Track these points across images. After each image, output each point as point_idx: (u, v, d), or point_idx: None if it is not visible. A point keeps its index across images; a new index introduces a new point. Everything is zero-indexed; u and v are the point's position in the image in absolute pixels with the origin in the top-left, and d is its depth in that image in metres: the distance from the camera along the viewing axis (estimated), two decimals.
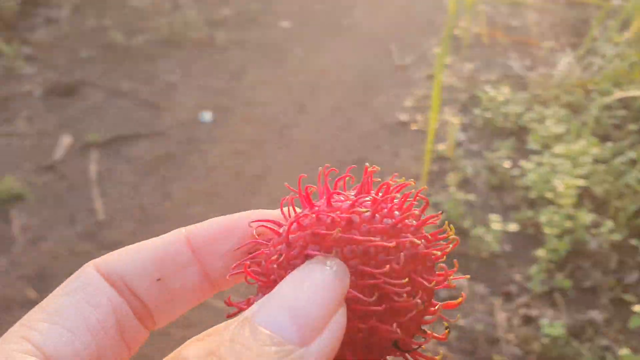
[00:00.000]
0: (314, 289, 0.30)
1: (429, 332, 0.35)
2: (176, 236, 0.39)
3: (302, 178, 0.38)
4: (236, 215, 0.40)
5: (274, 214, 0.40)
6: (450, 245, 0.35)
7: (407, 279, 0.32)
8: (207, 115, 3.68)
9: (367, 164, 0.38)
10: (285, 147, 3.47)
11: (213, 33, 4.63)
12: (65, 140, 3.31)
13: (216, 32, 4.66)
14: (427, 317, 0.35)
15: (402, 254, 0.32)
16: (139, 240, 0.39)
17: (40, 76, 4.03)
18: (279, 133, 3.60)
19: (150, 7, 5.00)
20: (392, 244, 0.32)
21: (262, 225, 0.39)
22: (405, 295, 0.32)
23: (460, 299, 0.35)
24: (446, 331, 0.36)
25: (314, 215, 0.35)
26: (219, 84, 4.04)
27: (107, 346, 0.34)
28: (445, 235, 0.36)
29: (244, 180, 3.18)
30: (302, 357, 0.28)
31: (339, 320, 0.30)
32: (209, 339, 0.30)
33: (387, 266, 0.32)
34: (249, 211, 0.40)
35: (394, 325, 0.32)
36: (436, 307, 0.35)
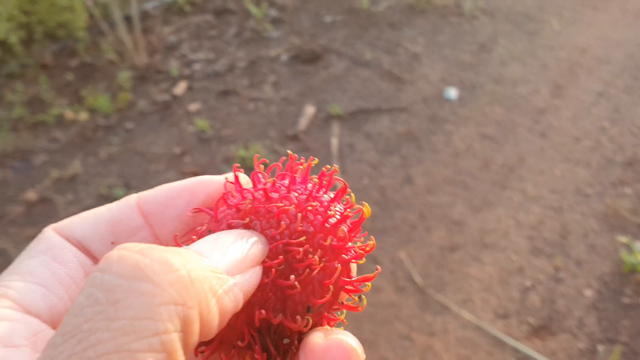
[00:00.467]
0: (231, 249, 0.33)
1: (344, 302, 0.38)
2: (128, 202, 0.39)
3: (259, 159, 0.39)
4: (184, 182, 0.40)
5: (218, 180, 0.40)
6: (350, 211, 0.39)
7: (304, 238, 0.35)
8: (452, 92, 3.37)
9: (289, 151, 0.41)
10: (541, 136, 3.03)
11: (460, 0, 4.26)
12: (309, 110, 3.25)
13: (463, 0, 4.28)
14: (344, 285, 0.37)
15: (299, 214, 0.35)
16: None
17: (285, 40, 4.03)
18: (532, 118, 3.17)
19: None
20: (291, 207, 0.36)
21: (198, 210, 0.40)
22: (302, 252, 0.34)
23: (375, 272, 0.37)
24: (355, 300, 0.38)
25: (238, 194, 0.38)
26: (465, 57, 3.69)
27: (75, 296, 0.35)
28: (350, 204, 0.39)
29: (492, 170, 2.83)
30: (231, 283, 0.32)
31: (256, 271, 0.34)
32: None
33: (283, 224, 0.35)
34: (196, 177, 0.40)
35: (292, 277, 0.34)
36: (352, 279, 0.37)
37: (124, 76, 3.67)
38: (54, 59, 3.99)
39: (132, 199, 0.40)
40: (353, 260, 0.38)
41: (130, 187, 2.80)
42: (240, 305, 0.33)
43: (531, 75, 3.50)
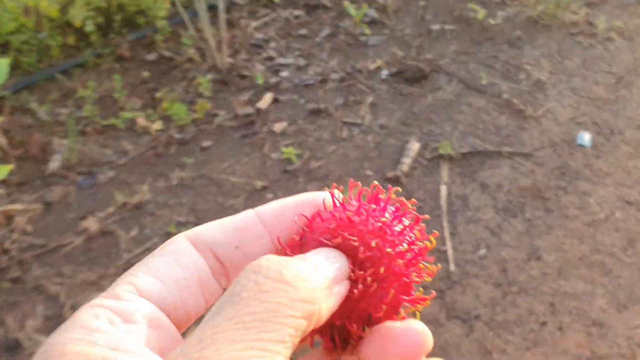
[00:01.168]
0: (319, 264, 0.37)
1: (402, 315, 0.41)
2: (249, 214, 0.42)
3: (355, 186, 0.43)
4: (298, 196, 0.43)
5: (324, 196, 0.44)
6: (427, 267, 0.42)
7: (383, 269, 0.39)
8: (585, 137, 2.79)
9: (375, 182, 0.44)
10: None
11: (592, 16, 3.62)
12: (414, 146, 2.75)
13: (596, 15, 3.63)
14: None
15: (373, 240, 0.39)
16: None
17: (385, 50, 3.51)
18: None
19: None
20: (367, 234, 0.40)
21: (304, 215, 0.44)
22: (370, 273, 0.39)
23: (430, 296, 0.42)
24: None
25: (329, 213, 0.42)
26: (599, 92, 3.09)
27: (188, 297, 0.38)
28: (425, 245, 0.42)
29: (639, 251, 2.28)
30: (335, 291, 0.36)
31: (345, 285, 0.38)
32: None
33: (362, 249, 0.39)
34: (307, 193, 0.43)
35: (355, 291, 0.39)
36: (410, 297, 0.41)
37: (205, 80, 3.25)
38: (131, 50, 3.61)
39: (251, 211, 0.42)
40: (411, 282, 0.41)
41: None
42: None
43: None
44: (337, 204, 0.42)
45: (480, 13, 3.54)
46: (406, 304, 0.41)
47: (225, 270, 0.41)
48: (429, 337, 0.38)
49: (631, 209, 2.45)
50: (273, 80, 3.33)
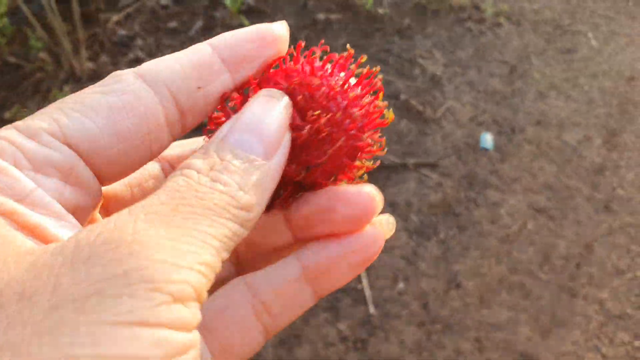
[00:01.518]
0: (272, 115, 0.34)
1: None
2: (204, 48, 0.36)
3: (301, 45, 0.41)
4: (253, 27, 0.39)
5: (283, 33, 0.41)
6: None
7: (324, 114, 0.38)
8: (488, 139, 2.67)
9: (348, 45, 0.44)
10: (605, 210, 2.41)
11: (479, 2, 3.49)
12: None
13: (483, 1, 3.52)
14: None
15: (330, 92, 0.38)
16: None
17: None
18: (589, 180, 2.53)
19: None
20: (325, 88, 0.38)
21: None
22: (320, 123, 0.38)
23: (374, 164, 0.40)
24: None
25: (291, 63, 0.41)
26: (495, 84, 2.98)
27: (130, 151, 0.33)
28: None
29: (555, 266, 2.20)
30: (269, 169, 0.33)
31: (287, 140, 0.35)
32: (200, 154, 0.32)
33: (318, 94, 0.38)
34: (264, 25, 0.39)
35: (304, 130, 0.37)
36: (365, 135, 0.39)
37: (61, 93, 2.75)
38: None
39: (205, 45, 0.37)
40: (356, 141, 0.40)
41: None
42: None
43: (577, 115, 2.85)
44: (300, 59, 0.40)
45: (368, 1, 3.29)
46: (349, 169, 0.39)
47: (182, 116, 0.35)
48: (380, 200, 0.37)
49: (542, 218, 2.36)
50: None
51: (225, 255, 0.29)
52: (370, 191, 0.37)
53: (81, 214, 0.32)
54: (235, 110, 0.37)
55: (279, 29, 0.40)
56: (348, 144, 0.38)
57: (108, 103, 0.32)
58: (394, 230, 0.38)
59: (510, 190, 2.47)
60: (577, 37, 3.31)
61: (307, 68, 0.39)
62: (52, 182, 0.30)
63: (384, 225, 0.39)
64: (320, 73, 0.39)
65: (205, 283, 0.27)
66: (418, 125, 2.71)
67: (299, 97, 0.37)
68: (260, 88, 0.38)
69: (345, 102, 0.38)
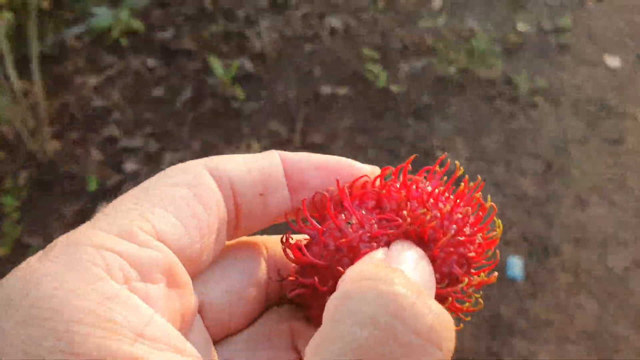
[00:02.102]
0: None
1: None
2: (274, 157, 0.36)
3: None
4: (329, 157, 0.37)
5: (365, 169, 0.39)
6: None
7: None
8: (516, 266, 2.19)
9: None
10: None
11: (511, 70, 3.01)
12: None
13: (515, 69, 3.03)
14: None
15: (451, 226, 0.39)
16: None
17: (264, 123, 2.73)
18: (639, 325, 2.05)
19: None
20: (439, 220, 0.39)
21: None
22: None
23: (493, 278, 0.40)
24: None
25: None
26: (526, 185, 2.50)
27: (207, 246, 0.32)
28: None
29: None
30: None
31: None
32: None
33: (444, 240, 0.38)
34: (341, 158, 0.38)
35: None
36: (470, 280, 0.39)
37: (14, 187, 2.35)
38: None
39: (276, 155, 0.36)
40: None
41: None
42: None
43: (624, 229, 2.35)
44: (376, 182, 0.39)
45: (381, 78, 2.83)
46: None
47: (237, 219, 0.33)
48: None
49: None
50: (114, 180, 2.48)
51: None
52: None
53: (185, 322, 0.30)
54: (313, 227, 0.36)
55: (359, 171, 0.37)
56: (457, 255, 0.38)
57: (185, 197, 0.30)
58: None
59: (541, 338, 1.99)
60: (625, 122, 2.81)
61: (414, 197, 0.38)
62: (160, 290, 0.28)
63: None
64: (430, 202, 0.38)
65: None
66: None
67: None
68: (356, 211, 0.36)
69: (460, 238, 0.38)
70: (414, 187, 0.39)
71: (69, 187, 2.44)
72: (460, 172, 0.42)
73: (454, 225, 0.38)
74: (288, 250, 0.36)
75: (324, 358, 0.25)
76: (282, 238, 0.37)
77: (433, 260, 0.36)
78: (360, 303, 0.27)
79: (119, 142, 2.68)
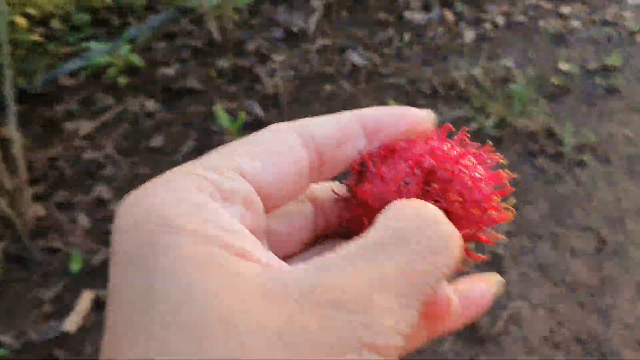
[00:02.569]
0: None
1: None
2: (350, 115, 0.40)
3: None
4: (399, 108, 0.41)
5: (420, 115, 0.42)
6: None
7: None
8: None
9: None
10: None
11: (555, 120, 2.64)
12: None
13: (559, 118, 2.66)
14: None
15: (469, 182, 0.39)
16: None
17: None
18: None
19: None
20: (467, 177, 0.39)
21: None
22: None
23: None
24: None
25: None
26: (577, 268, 2.12)
27: (284, 185, 0.36)
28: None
29: None
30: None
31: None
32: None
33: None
34: (409, 108, 0.41)
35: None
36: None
37: None
38: None
39: (351, 113, 0.40)
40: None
41: None
42: None
43: None
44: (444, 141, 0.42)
45: None
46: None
47: (322, 165, 0.39)
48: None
49: None
50: (100, 256, 2.15)
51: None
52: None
53: (258, 236, 0.33)
54: (363, 164, 0.40)
55: (425, 116, 0.41)
56: (471, 234, 0.39)
57: (270, 148, 0.35)
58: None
59: None
60: None
61: (454, 152, 0.40)
62: (239, 210, 0.32)
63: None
64: (464, 161, 0.40)
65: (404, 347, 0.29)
66: (468, 348, 1.89)
67: (440, 176, 0.39)
68: (398, 156, 0.40)
69: (480, 196, 0.39)
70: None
71: (49, 266, 2.12)
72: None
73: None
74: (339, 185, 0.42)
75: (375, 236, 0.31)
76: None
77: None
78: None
79: (109, 205, 2.35)
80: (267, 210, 0.36)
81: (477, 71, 2.80)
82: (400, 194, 0.38)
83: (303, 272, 0.28)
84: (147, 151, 2.61)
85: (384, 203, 0.36)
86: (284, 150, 0.36)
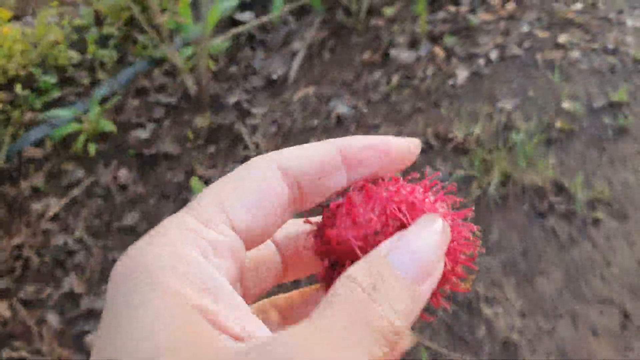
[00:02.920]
0: (434, 243, 0.35)
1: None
2: (330, 146, 0.40)
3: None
4: (380, 137, 0.41)
5: (402, 146, 0.41)
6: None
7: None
8: None
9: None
10: None
11: (562, 170, 2.42)
12: None
13: (567, 169, 2.44)
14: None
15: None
16: None
17: None
18: None
19: None
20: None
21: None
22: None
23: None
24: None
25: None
26: (600, 349, 1.91)
27: (269, 229, 0.37)
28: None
29: None
30: (421, 295, 0.33)
31: (440, 268, 0.35)
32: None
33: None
34: (390, 137, 0.41)
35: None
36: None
37: None
38: None
39: (332, 145, 0.40)
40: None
41: None
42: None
43: None
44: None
45: None
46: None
47: (301, 198, 0.39)
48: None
49: None
50: None
51: None
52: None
53: (235, 283, 0.34)
54: (340, 204, 0.40)
55: (409, 147, 0.41)
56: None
57: (255, 189, 0.36)
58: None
59: None
60: None
61: (415, 196, 0.39)
62: (226, 264, 0.33)
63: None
64: (426, 202, 0.39)
65: None
66: None
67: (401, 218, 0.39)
68: (373, 200, 0.39)
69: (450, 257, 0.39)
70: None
71: None
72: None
73: None
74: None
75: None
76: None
77: None
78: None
79: (81, 300, 2.12)
80: (247, 248, 0.36)
81: (476, 129, 2.57)
82: (366, 243, 0.37)
83: (258, 346, 0.29)
84: (120, 232, 2.38)
85: (349, 248, 0.36)
86: (268, 189, 0.36)
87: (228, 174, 0.37)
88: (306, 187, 0.38)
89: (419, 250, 0.34)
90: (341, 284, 0.32)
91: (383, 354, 0.30)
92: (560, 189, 2.36)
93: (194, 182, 2.28)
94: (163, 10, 2.98)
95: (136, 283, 0.29)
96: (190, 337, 0.28)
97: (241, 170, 0.37)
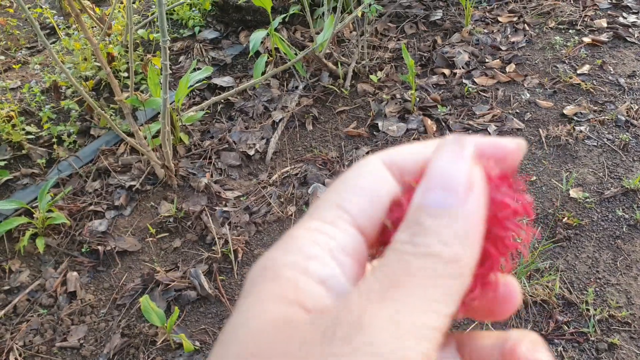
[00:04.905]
0: (458, 162, 0.32)
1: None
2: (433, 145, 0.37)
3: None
4: (493, 138, 0.37)
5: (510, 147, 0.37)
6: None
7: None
8: None
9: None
10: None
11: (567, 278, 2.04)
12: None
13: (568, 275, 2.07)
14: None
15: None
16: None
17: None
18: None
19: None
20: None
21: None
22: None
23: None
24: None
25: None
26: None
27: (380, 225, 0.35)
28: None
29: None
30: (467, 212, 0.30)
31: (479, 178, 0.32)
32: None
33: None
34: (503, 140, 0.36)
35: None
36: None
37: None
38: None
39: (435, 142, 0.37)
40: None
41: None
42: None
43: None
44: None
45: None
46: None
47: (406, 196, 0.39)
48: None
49: None
50: None
51: (448, 309, 0.29)
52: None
53: (358, 279, 0.34)
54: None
55: (516, 148, 0.36)
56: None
57: (369, 188, 0.35)
58: None
59: None
60: None
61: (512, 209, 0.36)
62: (350, 261, 0.33)
63: None
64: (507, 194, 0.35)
65: (428, 346, 0.28)
66: None
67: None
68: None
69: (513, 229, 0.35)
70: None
71: None
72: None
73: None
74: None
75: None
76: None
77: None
78: None
79: None
80: (367, 243, 0.36)
81: None
82: None
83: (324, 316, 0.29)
84: (62, 352, 2.02)
85: None
86: (381, 186, 0.35)
87: (341, 175, 0.36)
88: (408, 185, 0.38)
89: (444, 172, 0.31)
90: (387, 252, 0.31)
91: (450, 287, 0.29)
92: (569, 305, 1.99)
93: (145, 302, 1.92)
94: (125, 86, 2.63)
95: (263, 279, 0.30)
96: (278, 322, 0.28)
97: (353, 170, 0.36)
